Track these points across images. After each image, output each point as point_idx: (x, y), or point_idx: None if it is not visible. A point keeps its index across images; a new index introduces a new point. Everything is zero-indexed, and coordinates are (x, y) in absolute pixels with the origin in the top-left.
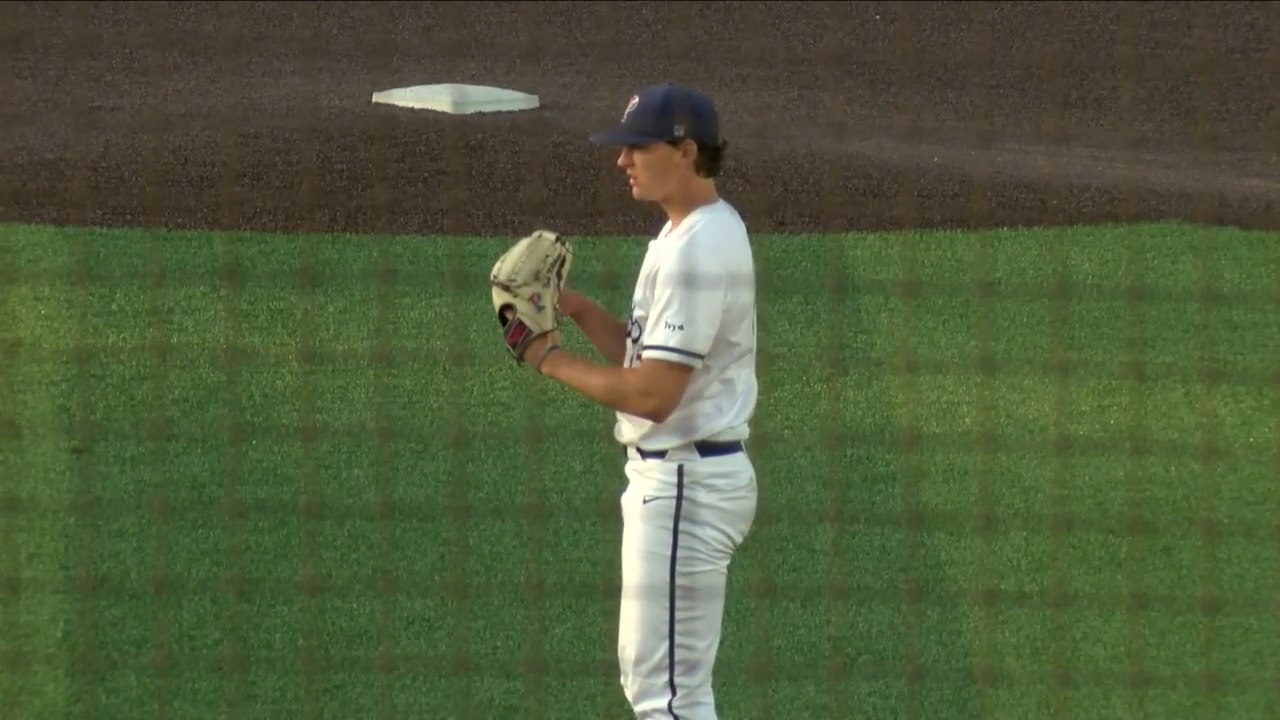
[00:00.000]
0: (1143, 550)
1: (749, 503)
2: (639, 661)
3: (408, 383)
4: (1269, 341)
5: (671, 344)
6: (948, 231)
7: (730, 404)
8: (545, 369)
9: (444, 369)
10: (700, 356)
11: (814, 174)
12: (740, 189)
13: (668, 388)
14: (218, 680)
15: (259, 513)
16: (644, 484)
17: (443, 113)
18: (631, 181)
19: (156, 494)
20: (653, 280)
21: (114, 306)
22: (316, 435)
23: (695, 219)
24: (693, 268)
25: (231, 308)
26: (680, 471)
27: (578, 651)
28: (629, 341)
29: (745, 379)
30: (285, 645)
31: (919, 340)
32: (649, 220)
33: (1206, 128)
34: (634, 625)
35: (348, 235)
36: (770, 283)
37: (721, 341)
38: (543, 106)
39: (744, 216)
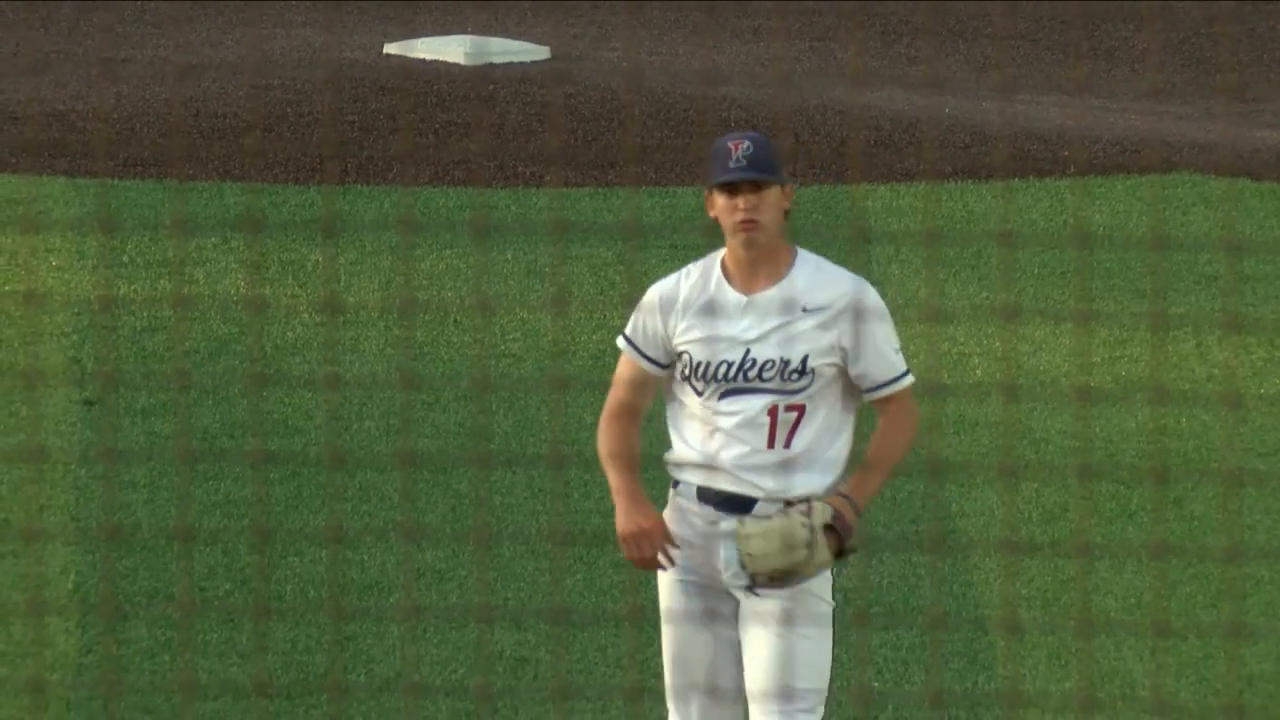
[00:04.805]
0: (1155, 501)
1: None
2: None
3: (420, 334)
4: None
5: (907, 369)
6: (961, 183)
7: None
8: (864, 504)
9: (455, 320)
10: None
11: (826, 125)
12: None
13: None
14: (229, 631)
15: (271, 464)
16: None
17: (455, 64)
18: (752, 225)
19: (168, 445)
20: (831, 320)
21: (125, 258)
22: (329, 386)
23: (811, 255)
24: (877, 297)
25: (244, 259)
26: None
27: (589, 602)
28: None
29: None
30: (297, 596)
31: (931, 291)
32: (660, 172)
33: (1220, 79)
34: None
35: (360, 186)
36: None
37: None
38: (555, 57)
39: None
